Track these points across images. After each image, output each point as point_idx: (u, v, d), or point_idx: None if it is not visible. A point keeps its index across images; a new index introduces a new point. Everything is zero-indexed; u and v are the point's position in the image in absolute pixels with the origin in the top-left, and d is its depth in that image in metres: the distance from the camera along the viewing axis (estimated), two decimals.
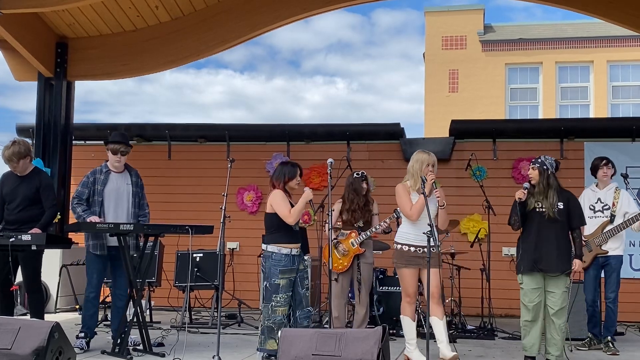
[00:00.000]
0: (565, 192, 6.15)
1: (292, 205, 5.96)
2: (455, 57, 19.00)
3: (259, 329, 6.04)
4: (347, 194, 7.38)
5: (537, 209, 6.04)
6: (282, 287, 5.88)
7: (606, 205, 7.16)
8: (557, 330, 5.90)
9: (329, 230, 6.05)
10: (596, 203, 7.23)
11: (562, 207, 6.01)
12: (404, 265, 6.14)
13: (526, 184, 6.10)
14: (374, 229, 7.22)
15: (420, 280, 6.29)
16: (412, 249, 6.09)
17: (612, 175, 7.27)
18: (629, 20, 8.88)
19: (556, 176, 6.13)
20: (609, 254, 7.05)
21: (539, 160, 6.13)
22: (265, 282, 5.99)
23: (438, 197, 6.04)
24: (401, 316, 6.29)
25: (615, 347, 6.81)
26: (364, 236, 7.19)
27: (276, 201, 5.98)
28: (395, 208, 7.37)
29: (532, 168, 6.14)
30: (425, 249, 5.82)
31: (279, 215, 5.94)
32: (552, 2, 9.08)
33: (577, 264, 6.07)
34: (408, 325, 6.21)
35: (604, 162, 7.29)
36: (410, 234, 6.11)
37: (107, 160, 6.71)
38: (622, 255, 7.13)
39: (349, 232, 7.24)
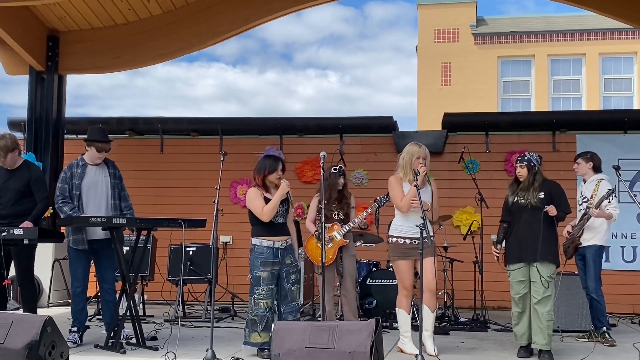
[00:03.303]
0: (548, 183, 6.21)
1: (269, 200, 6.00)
2: (448, 50, 19.00)
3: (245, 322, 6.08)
4: (323, 188, 7.33)
5: (518, 201, 6.17)
6: (264, 280, 5.92)
7: (585, 197, 7.24)
8: (541, 318, 5.94)
9: (321, 223, 6.05)
10: (580, 197, 7.33)
11: (542, 196, 6.09)
12: (399, 257, 6.17)
13: (494, 237, 6.29)
14: (356, 220, 7.21)
15: (416, 273, 6.32)
16: (407, 241, 6.12)
17: (593, 169, 7.26)
18: (621, 12, 8.89)
19: (541, 171, 6.24)
20: (582, 244, 7.12)
21: (526, 157, 6.19)
22: (249, 275, 6.07)
23: (426, 209, 6.05)
24: (397, 308, 6.32)
25: (612, 338, 6.86)
26: (347, 228, 7.19)
27: (249, 198, 6.08)
28: (376, 197, 7.38)
29: (520, 166, 6.20)
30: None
31: (253, 212, 6.02)
32: None
33: (549, 208, 5.98)
34: (403, 317, 6.25)
35: (575, 157, 7.47)
36: (404, 227, 6.14)
37: (84, 154, 6.67)
38: (596, 246, 7.09)
39: (330, 224, 7.21)
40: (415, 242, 6.06)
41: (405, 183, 6.22)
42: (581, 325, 7.40)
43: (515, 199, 6.17)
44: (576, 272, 7.45)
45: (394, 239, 6.23)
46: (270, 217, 5.97)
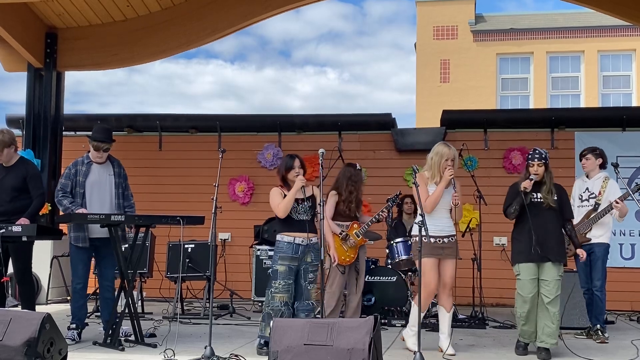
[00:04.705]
0: (555, 184, 6.18)
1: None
2: (447, 47, 19.00)
3: (262, 315, 6.12)
4: (346, 185, 7.30)
5: (533, 200, 6.05)
6: (281, 274, 5.95)
7: (592, 194, 7.20)
8: (552, 318, 5.92)
9: (320, 221, 6.05)
10: (584, 192, 7.28)
11: (556, 197, 6.07)
12: (424, 255, 6.08)
13: (533, 176, 6.04)
14: (373, 219, 7.24)
15: (415, 270, 6.31)
16: (432, 240, 6.05)
17: (600, 165, 7.27)
18: (619, 9, 8.88)
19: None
20: (592, 241, 7.08)
21: (543, 155, 6.04)
22: (270, 269, 6.17)
23: (455, 195, 6.10)
24: (412, 303, 6.30)
25: (604, 335, 6.85)
26: (366, 227, 7.21)
27: (270, 196, 6.16)
28: (388, 197, 7.44)
29: (539, 165, 6.03)
30: (445, 239, 6.01)
31: (272, 208, 6.10)
32: None
33: (583, 254, 6.30)
34: (415, 313, 6.19)
35: (582, 153, 7.42)
36: (428, 225, 6.05)
37: (90, 151, 6.66)
38: (606, 244, 7.13)
39: (349, 223, 7.22)
40: (439, 241, 6.07)
41: (432, 184, 6.20)
42: (579, 323, 7.38)
43: (532, 197, 6.06)
44: (574, 270, 7.43)
45: (419, 238, 6.19)
46: (285, 212, 6.02)
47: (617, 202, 6.92)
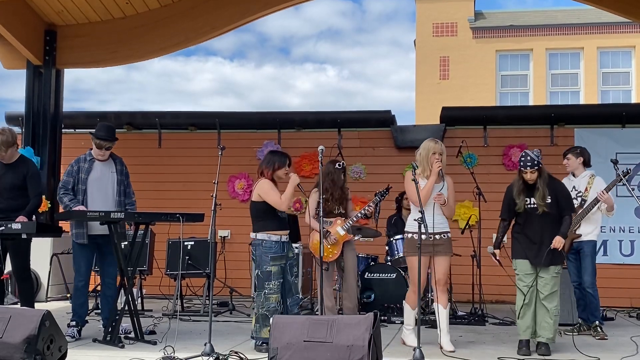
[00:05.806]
0: (553, 183, 6.13)
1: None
2: (446, 44, 18.99)
3: (253, 316, 6.07)
4: (323, 182, 7.26)
5: (527, 206, 6.06)
6: (274, 274, 5.93)
7: (579, 192, 7.22)
8: (549, 314, 5.94)
9: (320, 218, 6.04)
10: (571, 191, 7.28)
11: (549, 200, 6.02)
12: (413, 253, 6.10)
13: (490, 248, 6.15)
14: (359, 215, 7.23)
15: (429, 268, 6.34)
16: (423, 236, 6.07)
17: (583, 164, 7.27)
18: (619, 6, 8.88)
19: (544, 168, 6.16)
20: (581, 238, 7.09)
21: (535, 161, 5.96)
22: (257, 270, 6.04)
23: (438, 195, 6.11)
24: (404, 302, 6.37)
25: (603, 332, 6.86)
26: (349, 223, 7.19)
27: (265, 190, 6.03)
28: (376, 191, 7.43)
29: (532, 172, 5.98)
30: (436, 236, 6.03)
31: (271, 203, 5.98)
32: None
33: (556, 241, 5.93)
34: (408, 312, 6.30)
35: (563, 153, 7.45)
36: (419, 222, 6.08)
37: (92, 149, 6.67)
38: (594, 241, 7.15)
39: (333, 219, 7.22)
40: (430, 237, 6.07)
41: (422, 179, 6.21)
42: (569, 319, 7.34)
43: (525, 203, 6.05)
44: (564, 266, 7.41)
45: (409, 235, 6.23)
46: (289, 206, 6.05)
47: (602, 193, 6.95)
